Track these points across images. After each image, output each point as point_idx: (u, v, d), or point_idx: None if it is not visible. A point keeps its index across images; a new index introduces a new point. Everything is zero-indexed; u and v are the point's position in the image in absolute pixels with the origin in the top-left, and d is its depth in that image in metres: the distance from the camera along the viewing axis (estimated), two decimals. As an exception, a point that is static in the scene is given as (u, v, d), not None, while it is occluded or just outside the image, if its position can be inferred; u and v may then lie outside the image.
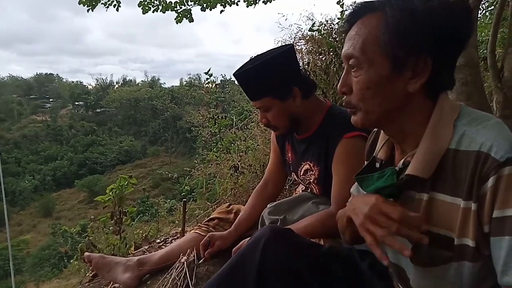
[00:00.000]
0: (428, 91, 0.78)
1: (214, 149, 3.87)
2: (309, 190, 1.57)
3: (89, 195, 34.16)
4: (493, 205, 0.68)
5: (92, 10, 4.87)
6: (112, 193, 2.27)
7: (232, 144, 3.91)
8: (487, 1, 5.63)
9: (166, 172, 5.74)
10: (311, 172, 1.51)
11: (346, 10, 3.64)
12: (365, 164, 0.96)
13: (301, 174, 1.55)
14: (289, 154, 1.64)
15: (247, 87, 1.47)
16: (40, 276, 18.46)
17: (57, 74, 69.83)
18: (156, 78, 60.10)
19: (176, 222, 2.91)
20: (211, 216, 1.92)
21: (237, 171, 2.95)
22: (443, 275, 0.79)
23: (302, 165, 1.54)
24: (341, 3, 3.92)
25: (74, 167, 42.08)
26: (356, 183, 1.02)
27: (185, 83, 56.00)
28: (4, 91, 54.19)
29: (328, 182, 1.44)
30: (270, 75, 1.39)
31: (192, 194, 4.75)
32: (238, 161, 3.10)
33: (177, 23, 4.70)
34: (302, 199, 1.56)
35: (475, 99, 1.64)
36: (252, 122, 3.97)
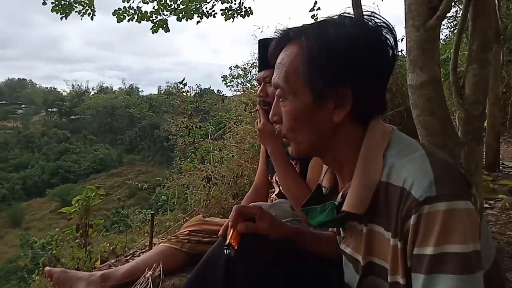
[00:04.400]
0: (355, 119, 0.78)
1: (188, 159, 3.83)
2: None
3: (61, 205, 33.00)
4: (414, 242, 0.68)
5: (66, 18, 4.76)
6: (78, 204, 2.20)
7: (208, 154, 3.88)
8: (454, 20, 5.89)
9: (140, 183, 5.63)
10: None
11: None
12: (311, 193, 0.97)
13: None
14: None
15: (266, 53, 1.50)
16: (5, 291, 17.64)
17: (30, 80, 67.69)
18: (134, 86, 59.28)
19: (147, 234, 2.84)
20: (182, 229, 1.89)
21: (210, 182, 2.92)
22: None
23: None
24: (315, 17, 4.00)
25: (46, 175, 40.74)
26: None
27: (163, 91, 55.48)
28: (-27, 96, 52.18)
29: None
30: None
31: (169, 204, 4.68)
32: (212, 172, 3.07)
33: (153, 33, 4.67)
34: (278, 203, 1.58)
35: (438, 114, 1.69)
36: (229, 132, 3.97)
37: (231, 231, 0.94)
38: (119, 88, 61.87)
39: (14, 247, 27.95)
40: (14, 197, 38.17)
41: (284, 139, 0.85)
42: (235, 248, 0.90)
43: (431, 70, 1.63)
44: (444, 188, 0.66)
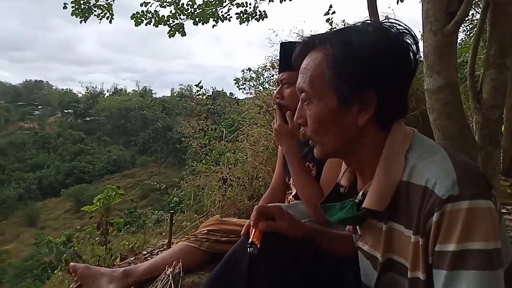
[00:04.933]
0: (378, 122, 0.80)
1: (203, 161, 3.89)
2: None
3: (75, 205, 33.56)
4: (436, 239, 0.70)
5: (85, 22, 4.89)
6: (100, 203, 2.27)
7: (222, 156, 3.94)
8: (470, 24, 5.82)
9: (155, 183, 5.72)
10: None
11: (333, 27, 3.75)
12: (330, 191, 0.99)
13: None
14: None
15: (286, 56, 1.52)
16: (21, 288, 17.99)
17: (46, 81, 69.13)
18: (148, 88, 59.92)
19: (163, 233, 2.90)
20: (200, 229, 1.93)
21: (226, 183, 2.97)
22: None
23: None
24: (330, 21, 4.02)
25: (61, 175, 41.45)
26: None
27: (176, 93, 55.96)
28: (-8, 97, 53.46)
29: None
30: None
31: (181, 205, 4.74)
32: (227, 173, 3.12)
33: (170, 37, 4.75)
34: (295, 204, 1.60)
35: (455, 118, 1.70)
36: (243, 135, 4.02)
37: (253, 230, 0.99)
38: (133, 90, 62.67)
39: (29, 246, 28.49)
40: (30, 196, 38.91)
41: (310, 141, 0.87)
42: (258, 246, 0.94)
43: (448, 75, 1.65)
44: (466, 187, 0.69)
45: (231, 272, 1.03)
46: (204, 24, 4.64)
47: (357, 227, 0.95)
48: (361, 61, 0.76)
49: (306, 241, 1.04)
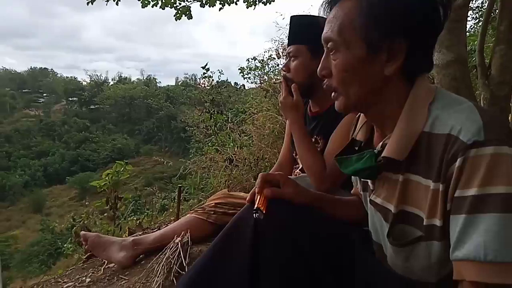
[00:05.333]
0: (404, 74, 0.81)
1: (209, 144, 3.91)
2: None
3: (80, 192, 33.87)
4: (457, 185, 0.70)
5: (92, 3, 4.88)
6: (108, 178, 2.30)
7: (228, 139, 3.96)
8: (480, 11, 5.75)
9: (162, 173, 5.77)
10: (317, 144, 1.56)
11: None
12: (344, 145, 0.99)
13: None
14: None
15: (294, 29, 1.56)
16: (28, 272, 18.26)
17: (51, 69, 69.20)
18: (152, 77, 59.81)
19: (171, 210, 2.94)
20: (208, 202, 1.97)
21: (232, 164, 2.99)
22: (413, 254, 0.83)
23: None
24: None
25: (66, 163, 41.72)
26: None
27: (180, 82, 55.82)
28: (-3, 85, 53.64)
29: None
30: (320, 29, 1.45)
31: (186, 193, 4.77)
32: (233, 155, 3.14)
33: (176, 20, 4.73)
34: (302, 176, 1.63)
35: (463, 94, 1.70)
36: (249, 118, 4.03)
37: (258, 196, 0.99)
38: (137, 79, 62.60)
39: (35, 232, 28.82)
40: (36, 183, 39.22)
41: (332, 93, 0.87)
42: (264, 212, 0.95)
43: (457, 50, 1.65)
44: (492, 133, 0.69)
45: (236, 236, 1.04)
46: (211, 6, 4.61)
47: (369, 182, 0.95)
48: (394, 9, 0.76)
49: (312, 207, 1.05)
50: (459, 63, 1.65)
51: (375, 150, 0.86)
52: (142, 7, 4.59)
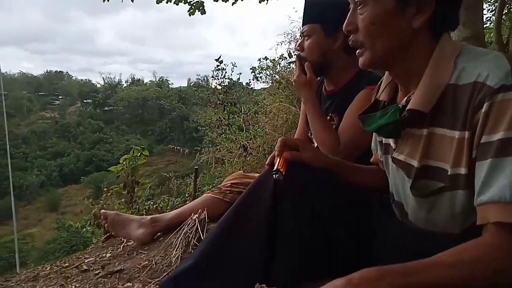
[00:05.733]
0: (431, 29, 0.81)
1: (223, 135, 3.94)
2: None
3: (95, 192, 34.38)
4: (483, 131, 0.69)
5: (108, 0, 4.98)
6: (126, 162, 2.35)
7: (241, 132, 3.99)
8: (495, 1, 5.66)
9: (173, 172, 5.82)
10: (332, 122, 1.57)
11: None
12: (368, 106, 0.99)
13: None
14: None
15: (308, 9, 1.57)
16: (44, 269, 18.55)
17: (66, 72, 70.35)
18: (164, 79, 60.32)
19: (187, 194, 2.98)
20: (224, 182, 1.99)
21: (246, 151, 3.02)
22: (436, 205, 0.82)
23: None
24: None
25: (81, 163, 42.42)
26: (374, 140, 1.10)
27: (192, 83, 56.14)
28: (15, 87, 54.76)
29: None
30: (334, 9, 1.43)
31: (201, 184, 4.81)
32: (247, 143, 3.17)
33: (189, 15, 4.78)
34: None
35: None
36: (262, 109, 4.05)
37: (278, 159, 1.01)
38: (150, 80, 63.21)
39: (51, 230, 29.38)
40: (52, 183, 40.01)
41: (358, 50, 0.87)
42: (283, 173, 0.96)
43: (474, 26, 1.64)
44: None
45: (255, 200, 1.05)
46: (225, 1, 4.65)
47: (391, 142, 0.95)
48: None
49: (330, 172, 1.06)
50: (476, 39, 1.64)
51: (399, 105, 0.86)
52: (157, 3, 4.65)
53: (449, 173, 0.77)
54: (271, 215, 1.03)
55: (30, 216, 34.92)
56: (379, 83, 1.06)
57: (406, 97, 0.86)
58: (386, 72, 0.98)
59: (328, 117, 1.61)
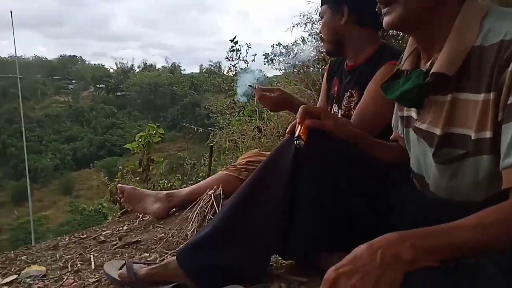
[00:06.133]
0: None
1: (236, 117, 3.93)
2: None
3: (107, 176, 34.88)
4: (510, 91, 0.67)
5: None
6: (141, 140, 2.36)
7: (254, 114, 3.97)
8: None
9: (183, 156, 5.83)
10: (352, 98, 1.56)
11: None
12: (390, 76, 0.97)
13: (345, 103, 1.60)
14: (336, 88, 1.70)
15: None
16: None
17: (80, 57, 70.73)
18: (177, 64, 60.26)
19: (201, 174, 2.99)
20: (239, 160, 2.00)
21: (260, 132, 3.01)
22: (459, 171, 0.81)
23: (346, 94, 1.59)
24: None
25: (94, 148, 43.01)
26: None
27: (204, 70, 56.02)
28: (29, 71, 55.35)
29: None
30: None
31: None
32: (261, 124, 3.15)
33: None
34: None
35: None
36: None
37: (299, 127, 1.00)
38: (162, 66, 63.22)
39: (65, 213, 30.06)
40: (65, 167, 40.71)
41: (386, 6, 0.84)
42: (304, 141, 0.95)
43: None
44: None
45: (275, 167, 1.05)
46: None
47: (413, 113, 0.93)
48: None
49: (351, 144, 1.04)
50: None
51: (423, 70, 0.85)
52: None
53: (472, 138, 0.75)
54: (290, 185, 1.03)
55: (45, 199, 35.70)
56: (401, 57, 1.04)
57: (429, 62, 0.84)
58: (409, 41, 0.96)
59: (348, 94, 1.59)
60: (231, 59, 4.15)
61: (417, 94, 0.86)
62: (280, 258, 1.22)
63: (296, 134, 0.96)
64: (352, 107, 1.56)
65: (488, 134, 0.73)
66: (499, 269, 0.69)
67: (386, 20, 0.85)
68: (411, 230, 0.65)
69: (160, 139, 2.46)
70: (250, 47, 4.19)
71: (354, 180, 1.02)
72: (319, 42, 4.16)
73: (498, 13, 0.76)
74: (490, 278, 0.67)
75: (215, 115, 5.77)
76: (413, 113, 0.94)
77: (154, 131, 2.41)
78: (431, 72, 0.80)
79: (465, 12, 0.78)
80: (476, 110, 0.74)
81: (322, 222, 1.01)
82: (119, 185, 1.92)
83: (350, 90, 1.59)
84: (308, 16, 4.51)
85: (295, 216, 1.03)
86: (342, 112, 1.62)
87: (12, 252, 1.59)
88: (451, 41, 0.78)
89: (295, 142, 0.96)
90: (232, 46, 4.32)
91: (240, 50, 4.26)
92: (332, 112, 1.73)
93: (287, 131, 1.07)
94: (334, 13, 1.53)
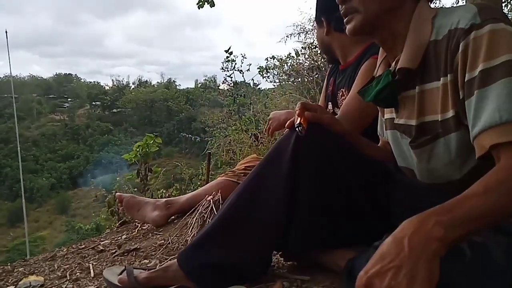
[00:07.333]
0: None
1: (233, 127, 3.94)
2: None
3: (104, 194, 34.66)
4: (465, 69, 0.74)
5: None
6: (139, 149, 2.35)
7: (250, 124, 3.98)
8: None
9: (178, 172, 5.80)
10: (343, 97, 1.61)
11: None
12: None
13: (338, 102, 1.66)
14: (331, 88, 1.76)
15: None
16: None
17: (75, 75, 71.12)
18: (172, 80, 60.54)
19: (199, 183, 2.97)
20: (238, 166, 1.99)
21: (258, 140, 3.01)
22: (434, 153, 0.86)
23: (339, 94, 1.66)
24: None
25: (90, 165, 42.75)
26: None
27: (200, 84, 56.28)
28: (24, 90, 55.34)
29: None
30: (317, 3, 1.66)
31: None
32: (258, 133, 3.16)
33: (199, 8, 4.78)
34: None
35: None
36: (271, 101, 4.04)
37: (298, 119, 1.02)
38: (157, 82, 63.38)
39: (61, 233, 29.67)
40: (62, 186, 40.41)
41: (346, 16, 0.92)
42: (305, 128, 0.97)
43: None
44: (487, 15, 0.74)
45: (273, 166, 1.07)
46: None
47: (393, 113, 0.98)
48: None
49: (347, 139, 1.07)
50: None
51: (390, 69, 0.92)
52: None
53: (439, 120, 0.81)
54: (291, 177, 1.04)
55: (41, 219, 35.30)
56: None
57: (394, 61, 0.91)
58: (380, 50, 1.02)
59: (340, 93, 1.64)
60: (226, 69, 4.18)
61: (390, 93, 0.92)
62: (281, 258, 1.21)
63: (297, 122, 0.98)
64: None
65: (451, 113, 0.79)
66: (503, 253, 0.69)
67: (348, 27, 0.93)
68: (425, 211, 0.63)
69: (157, 148, 2.46)
70: (245, 57, 4.24)
71: (353, 172, 1.05)
72: (313, 51, 4.20)
73: (445, 12, 0.85)
74: (494, 260, 0.67)
75: (211, 128, 5.77)
76: (393, 114, 1.00)
77: (152, 141, 2.41)
78: (397, 69, 0.87)
79: (418, 14, 0.87)
80: (438, 95, 0.81)
81: (323, 217, 1.02)
82: (118, 193, 1.90)
83: (341, 89, 1.65)
84: (302, 27, 4.57)
85: (295, 213, 1.03)
86: (337, 111, 1.64)
87: (9, 264, 1.56)
88: (410, 40, 0.85)
89: (297, 129, 0.98)
90: (227, 57, 4.36)
91: (235, 61, 4.32)
92: (328, 110, 1.76)
93: (286, 125, 1.09)
94: (319, 26, 1.66)
